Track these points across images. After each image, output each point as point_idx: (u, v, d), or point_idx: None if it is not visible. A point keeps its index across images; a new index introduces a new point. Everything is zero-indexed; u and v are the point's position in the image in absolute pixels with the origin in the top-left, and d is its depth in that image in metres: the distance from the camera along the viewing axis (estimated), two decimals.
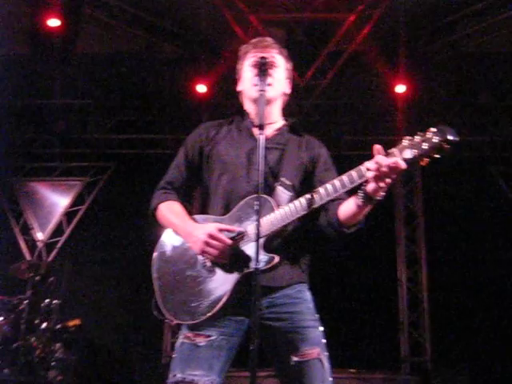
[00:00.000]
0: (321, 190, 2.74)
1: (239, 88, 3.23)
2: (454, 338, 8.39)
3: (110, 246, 9.19)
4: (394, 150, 2.54)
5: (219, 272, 2.82)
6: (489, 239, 8.81)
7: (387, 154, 2.53)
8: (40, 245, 9.81)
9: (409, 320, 9.10)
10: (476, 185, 9.12)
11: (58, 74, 8.71)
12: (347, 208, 2.76)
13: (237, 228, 2.83)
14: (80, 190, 10.12)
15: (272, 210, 2.79)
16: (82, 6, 7.99)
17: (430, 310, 9.03)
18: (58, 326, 7.03)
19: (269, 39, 3.19)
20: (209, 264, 2.84)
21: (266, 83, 2.83)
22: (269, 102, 3.01)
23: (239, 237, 2.81)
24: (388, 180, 2.52)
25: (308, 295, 2.97)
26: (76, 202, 10.09)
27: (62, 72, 8.68)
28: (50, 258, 9.65)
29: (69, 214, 10.04)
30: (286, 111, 3.24)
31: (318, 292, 3.03)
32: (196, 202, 7.59)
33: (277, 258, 2.73)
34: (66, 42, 7.98)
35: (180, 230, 2.94)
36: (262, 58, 2.82)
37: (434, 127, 2.50)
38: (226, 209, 2.93)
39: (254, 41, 3.19)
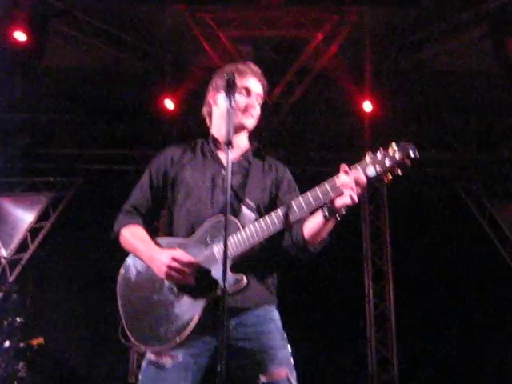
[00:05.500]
0: (287, 208, 2.72)
1: (214, 111, 3.18)
2: (421, 354, 8.41)
3: (76, 262, 9.01)
4: (357, 167, 2.57)
5: (187, 296, 2.78)
6: (455, 254, 8.86)
7: (350, 171, 2.56)
8: (3, 262, 9.60)
9: (376, 336, 9.11)
10: (442, 201, 9.21)
11: (23, 87, 8.57)
12: (311, 226, 2.76)
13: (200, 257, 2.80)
14: (45, 206, 9.93)
15: (238, 230, 2.76)
16: (49, 19, 7.90)
17: (398, 326, 9.06)
18: (22, 345, 6.91)
19: (253, 67, 3.16)
20: (176, 288, 2.80)
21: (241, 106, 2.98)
22: (244, 130, 3.09)
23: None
24: (353, 195, 2.53)
25: (276, 315, 2.96)
26: (41, 218, 9.90)
27: (27, 86, 8.54)
28: (14, 275, 9.45)
29: (33, 230, 9.82)
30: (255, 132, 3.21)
31: (285, 310, 3.02)
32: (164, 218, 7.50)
33: (244, 280, 2.71)
34: (32, 56, 7.88)
35: (143, 255, 2.89)
36: (231, 73, 2.74)
37: (395, 143, 2.53)
38: (191, 231, 2.90)
39: (239, 67, 3.10)
